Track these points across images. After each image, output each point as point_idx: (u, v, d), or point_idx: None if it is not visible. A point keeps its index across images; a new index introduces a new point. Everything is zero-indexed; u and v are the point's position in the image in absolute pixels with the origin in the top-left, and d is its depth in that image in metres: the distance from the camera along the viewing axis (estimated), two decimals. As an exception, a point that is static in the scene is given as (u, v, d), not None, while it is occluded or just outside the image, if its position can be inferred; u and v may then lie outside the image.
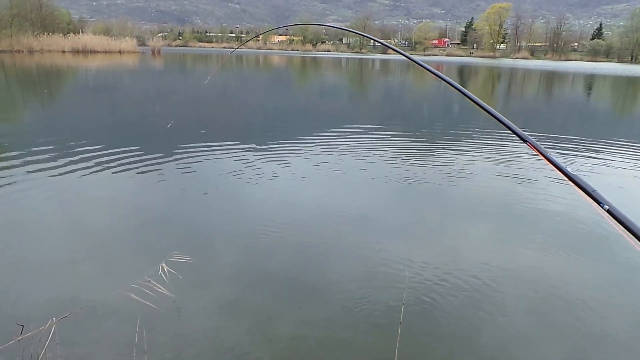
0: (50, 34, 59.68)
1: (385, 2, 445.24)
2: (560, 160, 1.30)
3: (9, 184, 5.99)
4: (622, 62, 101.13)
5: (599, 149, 9.55)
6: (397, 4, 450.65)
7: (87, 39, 62.69)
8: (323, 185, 6.68)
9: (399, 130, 11.53)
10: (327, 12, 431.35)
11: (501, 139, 10.35)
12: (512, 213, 5.76)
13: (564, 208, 5.93)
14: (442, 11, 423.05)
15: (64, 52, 56.49)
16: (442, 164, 8.01)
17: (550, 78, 40.71)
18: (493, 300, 3.67)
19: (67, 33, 64.03)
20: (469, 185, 6.87)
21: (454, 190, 6.63)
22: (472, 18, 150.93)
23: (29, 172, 6.54)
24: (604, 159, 8.72)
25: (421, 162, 8.08)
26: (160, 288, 2.84)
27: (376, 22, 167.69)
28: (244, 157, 7.90)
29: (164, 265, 2.87)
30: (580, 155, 8.92)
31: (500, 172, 7.72)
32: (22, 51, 52.75)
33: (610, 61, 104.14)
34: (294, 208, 5.67)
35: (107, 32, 77.93)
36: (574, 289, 3.91)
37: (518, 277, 4.07)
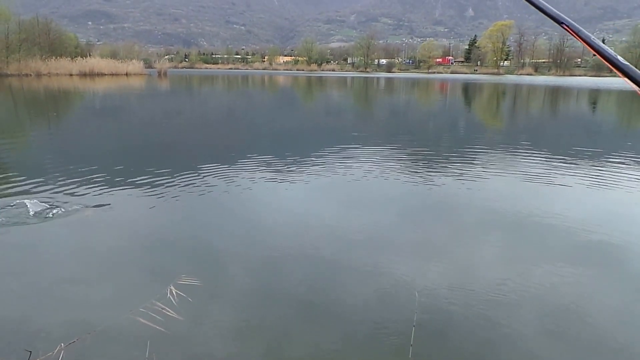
0: (58, 57, 60.49)
1: (389, 21, 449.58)
2: (607, 48, 1.13)
3: (19, 206, 5.97)
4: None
5: (606, 163, 9.45)
6: (401, 23, 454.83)
7: (94, 62, 63.54)
8: (332, 205, 6.62)
9: (407, 147, 11.50)
10: (332, 32, 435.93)
11: (510, 153, 10.29)
12: (525, 229, 5.68)
13: (578, 223, 5.83)
14: (446, 30, 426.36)
15: (71, 75, 57.16)
16: (451, 180, 7.95)
17: (555, 93, 40.70)
18: (507, 321, 3.57)
19: (75, 56, 64.93)
20: (479, 202, 6.80)
21: (464, 207, 6.56)
22: (475, 36, 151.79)
23: (37, 194, 6.52)
24: (611, 172, 8.62)
25: (430, 179, 8.02)
26: (169, 311, 2.78)
27: (380, 41, 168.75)
28: (252, 177, 7.87)
29: (172, 288, 2.81)
30: (588, 169, 8.82)
31: (511, 187, 7.64)
32: (30, 75, 53.44)
33: (615, 76, 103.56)
34: (303, 228, 5.61)
35: (114, 55, 78.98)
36: (592, 308, 3.82)
37: (532, 297, 3.97)
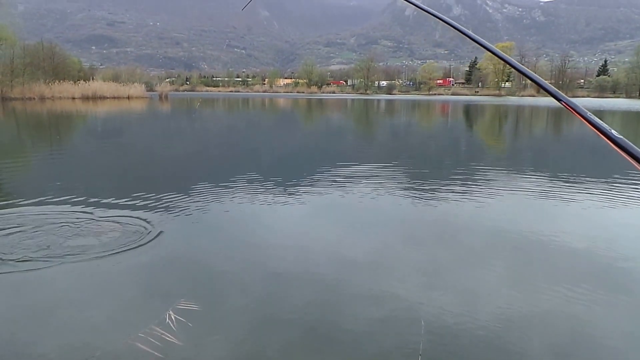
0: (61, 81, 61.04)
1: (389, 44, 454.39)
2: (602, 122, 1.14)
3: (21, 231, 5.85)
4: (630, 97, 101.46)
5: (613, 183, 9.33)
6: (401, 45, 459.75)
7: (97, 86, 64.10)
8: (334, 227, 6.49)
9: (410, 169, 11.41)
10: (332, 55, 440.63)
11: (514, 174, 10.19)
12: (532, 251, 5.53)
13: (587, 244, 5.69)
14: (446, 51, 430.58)
15: (73, 98, 57.55)
16: (455, 202, 7.82)
17: (558, 114, 40.76)
18: (517, 348, 3.42)
19: (78, 80, 65.52)
20: (483, 223, 6.67)
21: (468, 229, 6.42)
22: (476, 58, 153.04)
23: (34, 215, 6.41)
24: (618, 192, 8.50)
25: (433, 201, 7.90)
26: (168, 337, 2.67)
27: (380, 64, 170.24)
28: (252, 199, 7.75)
29: (171, 312, 2.73)
30: (594, 190, 8.71)
31: (516, 208, 7.51)
32: (34, 98, 53.81)
33: (618, 97, 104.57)
34: (304, 251, 5.48)
35: (116, 78, 79.70)
36: (604, 333, 3.67)
37: (542, 322, 3.82)
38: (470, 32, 1.29)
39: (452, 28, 1.41)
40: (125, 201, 7.33)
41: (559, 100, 1.21)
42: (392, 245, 5.76)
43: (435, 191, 8.68)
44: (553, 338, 3.57)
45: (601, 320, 3.88)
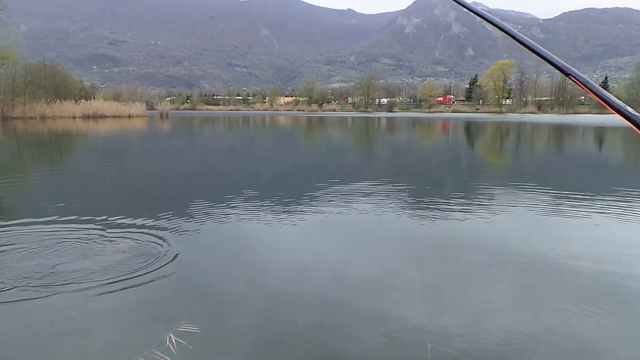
0: (62, 100, 61.32)
1: (389, 61, 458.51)
2: (616, 100, 1.09)
3: (19, 251, 5.61)
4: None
5: (619, 200, 9.09)
6: (401, 63, 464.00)
7: (98, 105, 64.49)
8: (336, 246, 6.28)
9: (411, 186, 11.20)
10: (332, 73, 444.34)
11: (518, 192, 9.96)
12: (538, 269, 5.31)
13: (593, 262, 5.47)
14: (446, 69, 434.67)
15: (74, 117, 57.77)
16: (458, 220, 7.59)
17: (560, 131, 40.79)
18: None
19: (79, 99, 65.87)
20: (488, 242, 6.46)
21: (472, 248, 6.20)
22: (476, 75, 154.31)
23: (30, 234, 6.18)
24: (624, 209, 8.26)
25: (437, 219, 7.66)
26: None
27: (380, 81, 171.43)
28: (252, 218, 7.54)
29: (171, 335, 2.60)
30: (599, 207, 8.46)
31: (521, 226, 7.30)
32: (35, 117, 54.00)
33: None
34: (306, 270, 5.28)
35: (117, 97, 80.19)
36: (613, 354, 3.48)
37: (551, 343, 3.62)
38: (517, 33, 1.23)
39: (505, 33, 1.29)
40: (124, 221, 7.13)
41: (567, 74, 1.16)
42: (395, 264, 5.58)
43: (438, 209, 8.47)
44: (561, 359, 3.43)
45: (609, 341, 3.72)
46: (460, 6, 1.42)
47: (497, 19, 1.32)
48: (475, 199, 9.38)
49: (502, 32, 1.33)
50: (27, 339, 3.68)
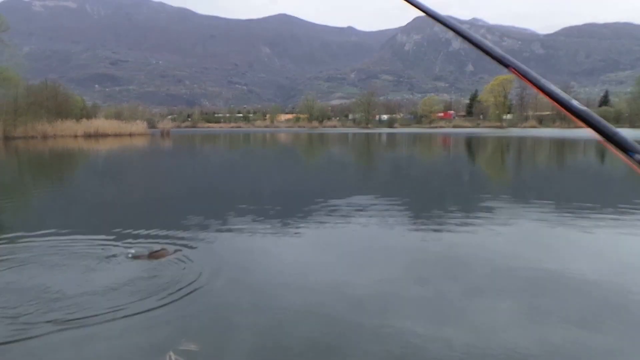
0: (64, 119, 61.55)
1: (389, 78, 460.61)
2: (561, 92, 1.03)
3: (25, 268, 5.53)
4: (635, 127, 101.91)
5: (623, 215, 9.01)
6: (401, 79, 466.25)
7: (99, 123, 64.71)
8: (339, 263, 6.22)
9: (413, 202, 11.15)
10: (332, 90, 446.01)
11: (520, 207, 9.88)
12: (542, 286, 5.22)
13: (598, 278, 5.39)
14: (446, 85, 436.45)
15: (76, 136, 57.94)
16: (460, 235, 7.54)
17: (562, 146, 40.81)
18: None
19: (80, 118, 66.11)
20: (490, 257, 6.37)
21: (475, 264, 6.12)
22: (477, 90, 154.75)
23: (28, 253, 6.10)
24: (629, 225, 8.18)
25: (438, 234, 7.61)
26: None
27: (381, 98, 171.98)
28: (253, 234, 7.51)
29: (171, 354, 2.53)
30: (604, 222, 8.37)
31: (524, 242, 7.22)
32: (36, 137, 54.18)
33: (622, 127, 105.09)
34: (308, 286, 5.23)
35: (118, 116, 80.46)
36: None
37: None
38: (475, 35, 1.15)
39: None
40: (125, 238, 7.08)
41: (506, 65, 1.06)
42: (399, 280, 5.52)
43: (441, 225, 8.41)
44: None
45: (616, 357, 3.67)
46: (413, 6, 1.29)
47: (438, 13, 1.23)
48: (477, 214, 9.31)
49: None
50: (31, 349, 3.63)
